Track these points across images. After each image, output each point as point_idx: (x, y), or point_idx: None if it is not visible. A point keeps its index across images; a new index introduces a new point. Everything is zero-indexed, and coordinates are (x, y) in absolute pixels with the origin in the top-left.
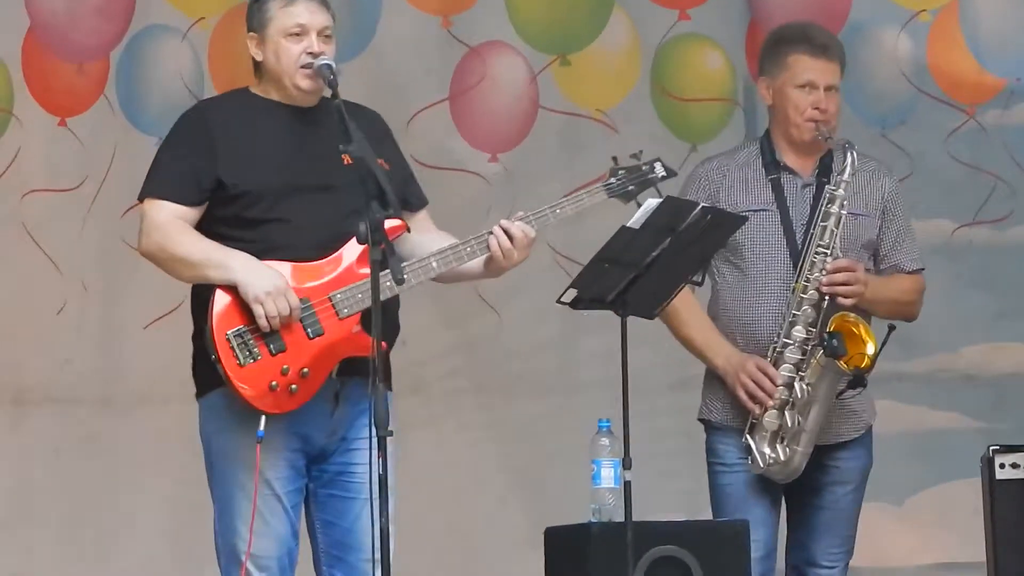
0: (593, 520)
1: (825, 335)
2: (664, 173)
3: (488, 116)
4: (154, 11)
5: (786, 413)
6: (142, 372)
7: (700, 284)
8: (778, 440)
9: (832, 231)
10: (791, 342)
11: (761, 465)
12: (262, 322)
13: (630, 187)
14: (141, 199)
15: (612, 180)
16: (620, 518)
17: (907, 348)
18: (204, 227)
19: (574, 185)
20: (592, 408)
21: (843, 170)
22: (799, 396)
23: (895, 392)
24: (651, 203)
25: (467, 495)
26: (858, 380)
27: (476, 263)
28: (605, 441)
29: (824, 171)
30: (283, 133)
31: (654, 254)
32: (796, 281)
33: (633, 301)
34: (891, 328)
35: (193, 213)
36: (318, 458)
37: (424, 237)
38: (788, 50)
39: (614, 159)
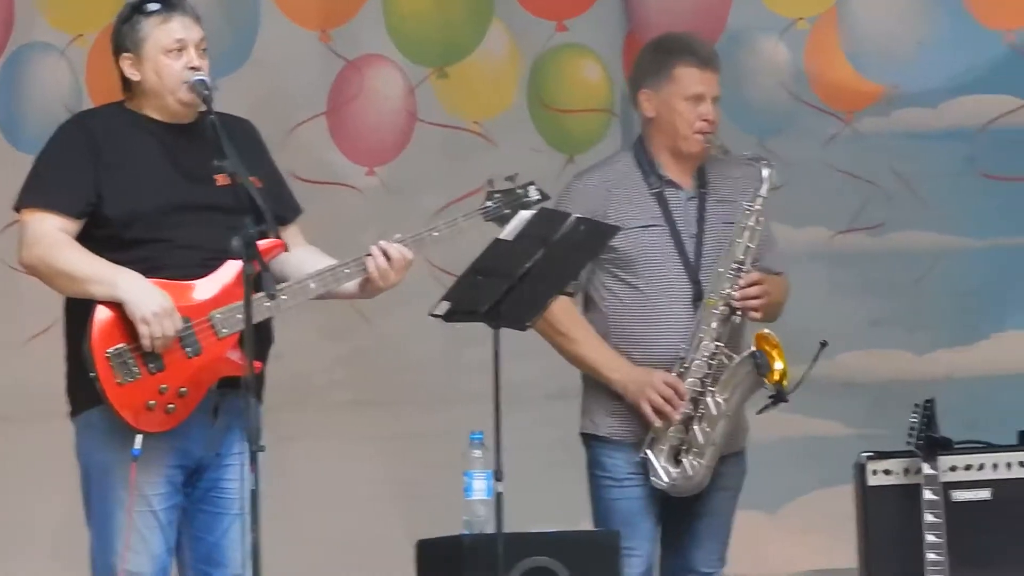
0: (465, 532)
1: (754, 352)
2: (538, 197)
3: (366, 129)
4: (33, 28)
5: (695, 428)
6: (22, 391)
7: (573, 295)
8: (680, 454)
9: (747, 247)
10: (699, 357)
11: (664, 480)
12: (146, 342)
13: (505, 211)
14: (19, 209)
15: (488, 204)
16: (492, 530)
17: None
18: (83, 244)
19: (452, 197)
20: (472, 420)
21: (759, 187)
22: (712, 410)
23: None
24: (524, 214)
25: (347, 508)
26: (781, 396)
27: (352, 284)
28: (477, 453)
29: (702, 182)
30: (162, 151)
31: (527, 265)
32: (707, 296)
33: (506, 313)
34: (823, 344)
35: (75, 226)
36: (193, 474)
37: (296, 251)
38: (674, 61)
39: (489, 182)
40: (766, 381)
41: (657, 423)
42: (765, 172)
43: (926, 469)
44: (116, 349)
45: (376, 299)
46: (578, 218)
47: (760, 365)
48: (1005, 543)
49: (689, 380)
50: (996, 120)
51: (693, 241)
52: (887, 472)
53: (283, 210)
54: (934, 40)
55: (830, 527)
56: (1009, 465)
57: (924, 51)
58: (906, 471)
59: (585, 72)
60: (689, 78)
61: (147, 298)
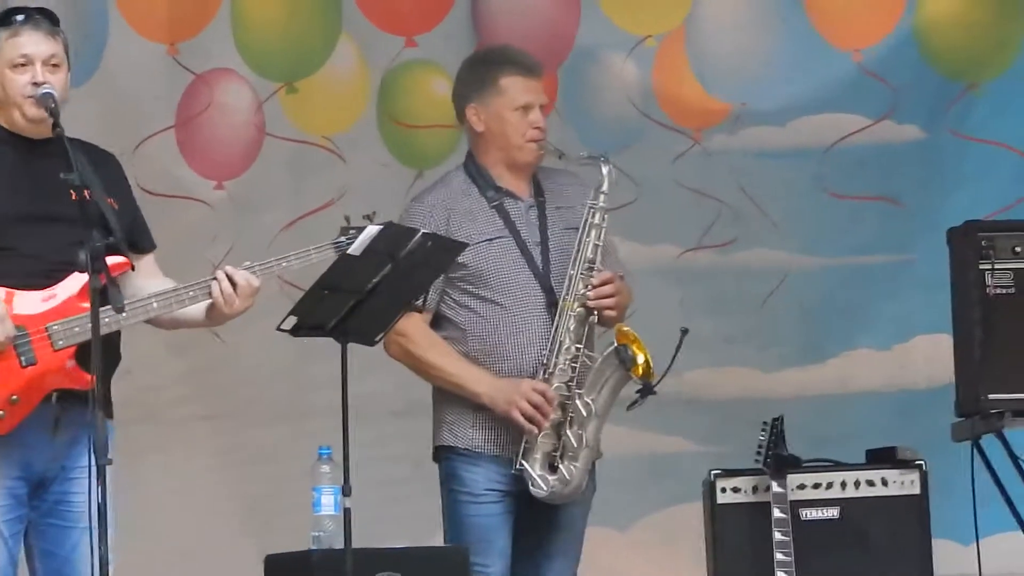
0: (313, 548)
1: (617, 347)
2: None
3: (214, 143)
4: None
5: (568, 431)
6: None
7: (421, 311)
8: (555, 461)
9: (596, 245)
10: (561, 361)
11: (544, 489)
12: None
13: None
14: None
15: (342, 239)
16: (341, 545)
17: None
18: None
19: (301, 212)
20: (321, 435)
21: (600, 184)
22: (582, 412)
23: (619, 416)
24: (371, 230)
25: (198, 522)
26: (648, 388)
27: (197, 310)
28: (325, 468)
29: (538, 191)
30: (13, 162)
31: (375, 280)
32: (563, 299)
33: (354, 328)
34: (684, 331)
35: None
36: (38, 487)
37: (150, 281)
38: (499, 73)
39: (346, 218)
40: (632, 375)
41: (532, 431)
42: (605, 169)
43: (775, 487)
44: None
45: None
46: (425, 234)
47: (624, 359)
48: (853, 561)
49: (555, 385)
50: (843, 139)
51: (539, 249)
52: (736, 490)
53: (139, 239)
54: (782, 59)
55: (680, 544)
56: (857, 484)
57: (772, 70)
58: (755, 489)
59: (434, 87)
60: (516, 88)
61: None
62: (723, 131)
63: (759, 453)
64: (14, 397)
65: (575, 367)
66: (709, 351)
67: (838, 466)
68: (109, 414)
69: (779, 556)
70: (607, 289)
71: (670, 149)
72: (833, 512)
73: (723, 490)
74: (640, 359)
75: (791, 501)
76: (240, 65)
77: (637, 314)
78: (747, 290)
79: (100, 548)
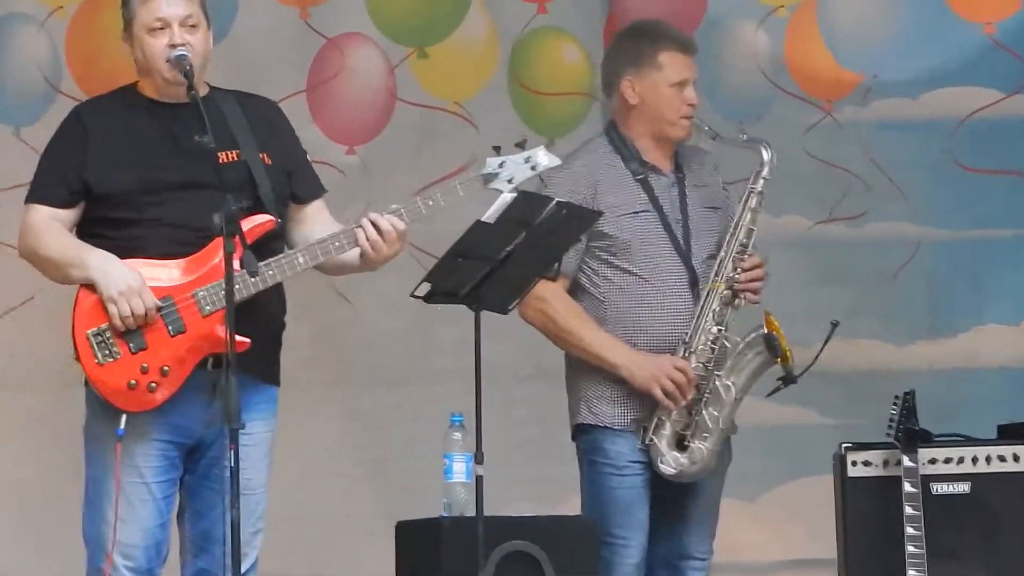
0: (444, 515)
1: (768, 334)
2: (547, 161)
3: (345, 108)
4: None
5: (704, 412)
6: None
7: (554, 279)
8: (685, 439)
9: (750, 229)
10: (702, 341)
11: (673, 468)
12: (116, 321)
13: (507, 174)
14: (26, 203)
15: (489, 170)
16: (472, 512)
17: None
18: (82, 230)
19: (431, 178)
20: (447, 399)
21: (761, 167)
22: (722, 394)
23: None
24: (505, 197)
25: (320, 486)
26: (791, 378)
27: (352, 255)
28: (457, 435)
29: (678, 166)
30: (154, 131)
31: (508, 249)
32: (712, 279)
33: (487, 295)
34: (834, 324)
35: (67, 214)
36: (194, 450)
37: (317, 227)
38: (658, 48)
39: (495, 148)
40: (780, 363)
41: (670, 408)
42: (766, 154)
43: (906, 462)
44: (96, 330)
45: (352, 277)
46: (559, 202)
47: (774, 348)
48: (983, 537)
49: (693, 364)
50: (975, 113)
51: (680, 226)
52: (867, 464)
53: (302, 189)
54: (913, 30)
55: (808, 517)
56: (988, 459)
57: (903, 41)
58: (885, 463)
59: (565, 55)
60: (675, 64)
61: (114, 278)
62: (854, 102)
63: (890, 426)
64: (165, 368)
65: (714, 348)
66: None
67: (969, 441)
68: (275, 377)
69: (909, 530)
70: (757, 273)
71: (800, 120)
72: (964, 487)
73: (854, 463)
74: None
75: (922, 475)
76: (371, 30)
77: (767, 286)
78: (877, 263)
79: (232, 511)
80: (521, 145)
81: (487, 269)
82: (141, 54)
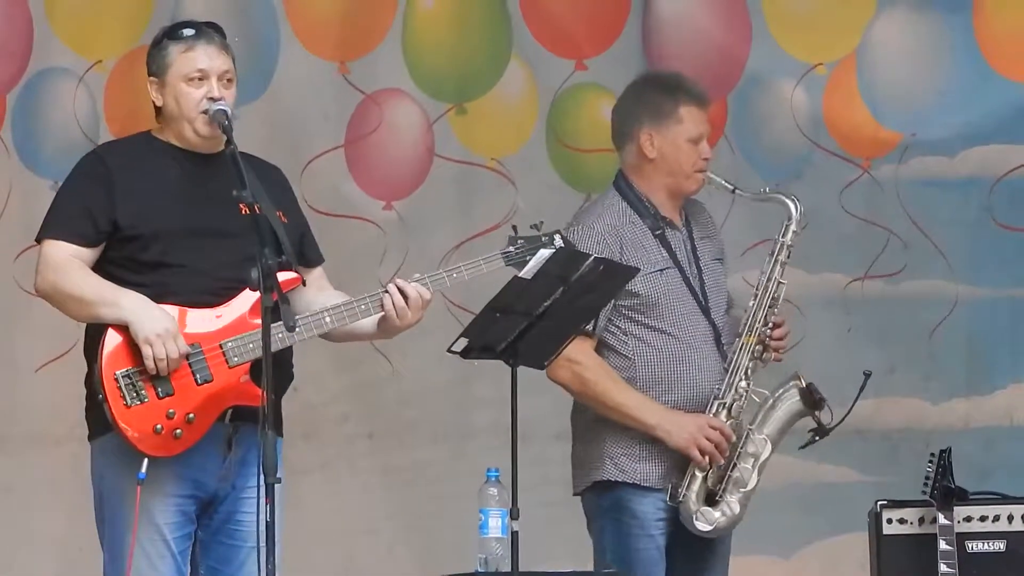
0: (480, 570)
1: (808, 386)
2: (563, 246)
3: (383, 163)
4: (52, 53)
5: (740, 465)
6: (34, 414)
7: (591, 336)
8: (718, 494)
9: (780, 283)
10: (735, 396)
11: (709, 524)
12: (149, 364)
13: (528, 257)
14: (39, 240)
15: (511, 248)
16: (507, 568)
17: None
18: (100, 269)
19: (469, 233)
20: (484, 454)
21: (789, 219)
22: (758, 448)
23: (784, 445)
24: (544, 253)
25: (358, 541)
26: (824, 431)
27: (369, 322)
28: (493, 491)
29: (687, 219)
30: (181, 178)
31: (546, 304)
32: (744, 334)
33: (524, 351)
34: (867, 375)
35: (89, 254)
36: (208, 505)
37: (320, 295)
38: (678, 102)
39: (514, 228)
40: (815, 415)
41: (704, 465)
42: (793, 207)
43: (941, 519)
44: (125, 372)
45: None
46: (597, 258)
47: (812, 402)
48: None
49: (726, 420)
50: (1014, 171)
51: (697, 281)
52: (902, 521)
53: (308, 252)
54: (952, 88)
55: (844, 574)
56: None
57: (942, 99)
58: (921, 520)
59: (603, 111)
60: (694, 119)
61: (150, 319)
62: (892, 160)
63: (926, 484)
64: (191, 415)
65: (741, 404)
66: (875, 381)
67: (1005, 499)
68: (279, 431)
69: None
70: (783, 331)
71: (839, 177)
72: (1000, 545)
73: (889, 521)
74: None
75: (957, 533)
76: (410, 85)
77: (803, 343)
78: (915, 320)
79: (268, 566)
80: (537, 227)
81: (524, 324)
82: (174, 103)
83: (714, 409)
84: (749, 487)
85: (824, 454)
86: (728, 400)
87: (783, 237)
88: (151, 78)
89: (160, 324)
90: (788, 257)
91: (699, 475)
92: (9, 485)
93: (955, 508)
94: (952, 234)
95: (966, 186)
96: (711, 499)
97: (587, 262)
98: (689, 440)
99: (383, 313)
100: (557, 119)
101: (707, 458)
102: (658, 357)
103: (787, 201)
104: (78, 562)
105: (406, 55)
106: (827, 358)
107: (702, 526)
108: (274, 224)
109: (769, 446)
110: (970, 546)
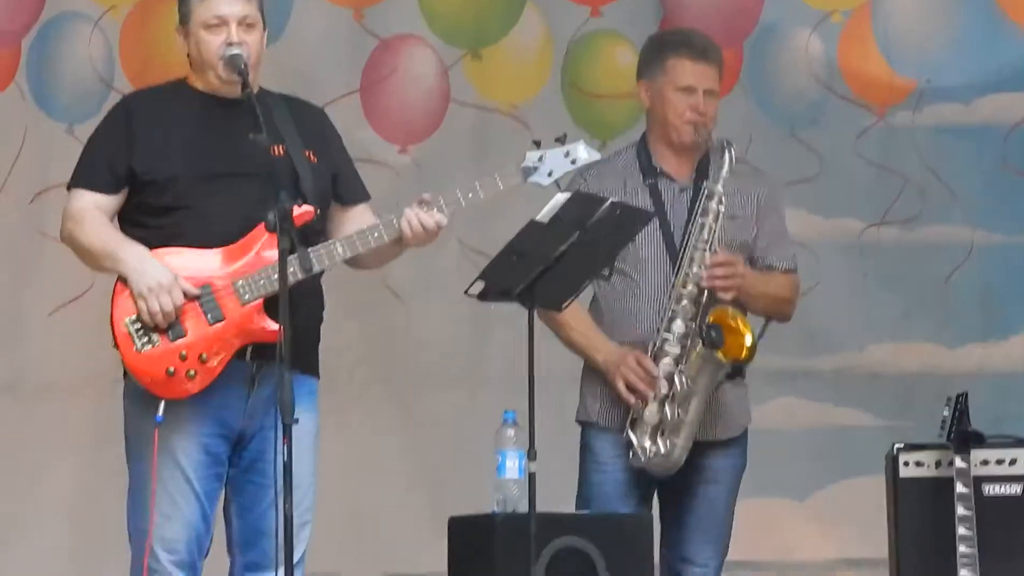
0: (497, 510)
1: (704, 327)
2: (586, 156)
3: (399, 108)
4: None
5: (666, 406)
6: (47, 359)
7: (608, 279)
8: (659, 434)
9: (710, 227)
10: (670, 336)
11: (642, 459)
12: (145, 317)
13: (550, 169)
14: (68, 189)
15: (529, 163)
16: (524, 509)
17: (813, 346)
18: (125, 215)
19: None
20: (499, 399)
21: (720, 167)
22: (679, 389)
23: (800, 389)
24: (560, 197)
25: (372, 484)
26: (737, 371)
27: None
28: (510, 432)
29: (701, 174)
30: (203, 123)
31: (563, 248)
32: (676, 276)
33: (540, 294)
34: (767, 320)
35: (110, 201)
36: (237, 444)
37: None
38: (668, 54)
39: (535, 142)
40: (718, 356)
41: (630, 401)
42: (726, 154)
43: (958, 462)
44: (133, 318)
45: (407, 277)
46: (613, 202)
47: (708, 339)
48: None
49: (664, 360)
50: None
51: (679, 232)
52: (919, 464)
53: (347, 191)
54: (967, 36)
55: (859, 517)
56: None
57: (956, 47)
58: (938, 464)
59: (618, 57)
60: (680, 69)
61: (144, 274)
62: (908, 107)
63: (942, 428)
64: (203, 355)
65: (685, 344)
66: (891, 326)
67: (1022, 443)
68: (307, 369)
69: (961, 531)
70: (719, 271)
71: (854, 124)
72: (1016, 488)
73: (906, 464)
74: (744, 341)
75: (974, 476)
76: (425, 31)
77: (819, 288)
78: (930, 266)
79: (285, 506)
80: (561, 139)
81: (541, 268)
82: (196, 50)
83: (650, 349)
84: (682, 428)
85: (840, 397)
86: (662, 341)
87: (712, 183)
88: (179, 26)
89: (152, 278)
90: (720, 203)
91: (641, 413)
92: (21, 432)
93: (972, 451)
94: (967, 181)
95: (981, 133)
96: (654, 436)
97: (603, 206)
98: (616, 374)
99: (397, 236)
100: (572, 65)
101: (631, 393)
102: (615, 297)
103: (725, 150)
104: (91, 509)
105: (420, 1)
106: (842, 304)
107: (633, 461)
108: (298, 164)
109: (689, 386)
110: (987, 489)
